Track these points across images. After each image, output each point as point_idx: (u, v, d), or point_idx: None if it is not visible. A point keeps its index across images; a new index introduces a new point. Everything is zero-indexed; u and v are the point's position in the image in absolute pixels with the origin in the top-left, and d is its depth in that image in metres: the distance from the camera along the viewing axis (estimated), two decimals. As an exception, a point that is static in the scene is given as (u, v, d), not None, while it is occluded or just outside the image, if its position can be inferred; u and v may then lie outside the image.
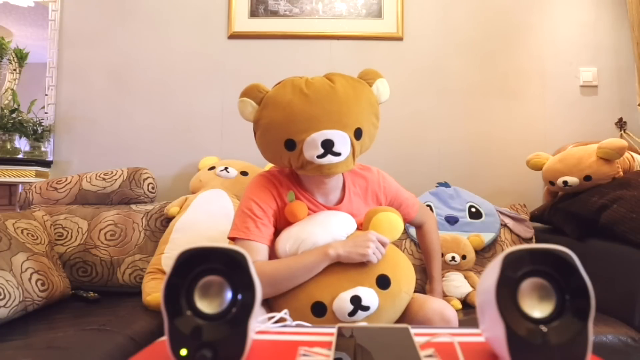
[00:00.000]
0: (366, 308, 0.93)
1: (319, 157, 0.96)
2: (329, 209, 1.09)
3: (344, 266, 0.97)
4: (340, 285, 0.95)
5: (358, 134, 1.00)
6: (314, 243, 0.99)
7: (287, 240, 1.01)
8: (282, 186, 1.08)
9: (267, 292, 0.97)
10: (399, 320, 1.01)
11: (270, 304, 1.02)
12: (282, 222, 1.07)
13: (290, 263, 0.98)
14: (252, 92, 1.03)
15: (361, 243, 0.97)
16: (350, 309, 0.92)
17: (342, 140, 0.97)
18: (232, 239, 1.04)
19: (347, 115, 0.99)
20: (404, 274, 1.01)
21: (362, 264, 0.97)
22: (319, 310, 0.94)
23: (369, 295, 0.94)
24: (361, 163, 1.20)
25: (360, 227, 1.09)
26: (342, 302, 0.93)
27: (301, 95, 0.98)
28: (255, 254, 1.00)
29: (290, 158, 1.01)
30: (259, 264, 0.97)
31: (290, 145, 0.99)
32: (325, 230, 1.01)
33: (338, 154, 0.97)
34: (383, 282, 0.96)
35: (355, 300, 0.93)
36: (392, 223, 1.03)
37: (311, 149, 0.96)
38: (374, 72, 1.07)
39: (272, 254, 1.05)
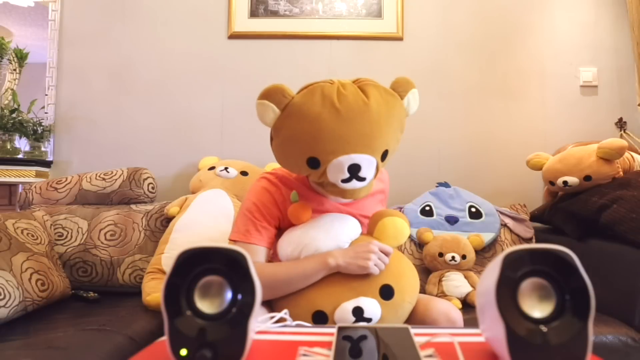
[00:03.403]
0: (368, 320, 0.91)
1: (344, 181, 0.91)
2: (342, 204, 1.06)
3: (347, 275, 0.95)
4: (343, 294, 0.93)
5: (384, 156, 0.95)
6: (316, 248, 0.97)
7: (289, 244, 1.00)
8: (287, 187, 1.04)
9: (265, 295, 0.95)
10: (405, 322, 0.99)
11: (272, 308, 1.01)
12: (286, 224, 1.05)
13: (289, 268, 0.97)
14: (275, 96, 0.91)
15: (362, 254, 0.94)
16: (352, 321, 0.90)
17: (368, 165, 0.91)
18: (233, 242, 1.03)
19: (378, 138, 0.92)
20: (408, 283, 0.99)
21: (365, 274, 0.95)
22: (320, 320, 0.93)
23: (372, 306, 0.91)
24: None
25: (365, 231, 1.07)
26: (343, 313, 0.91)
27: (332, 109, 0.88)
28: (254, 257, 0.99)
29: (311, 174, 0.96)
30: (257, 266, 0.95)
31: (314, 163, 0.91)
32: (328, 235, 0.99)
33: (363, 179, 0.92)
34: (386, 293, 0.94)
35: (357, 312, 0.90)
36: (397, 228, 1.00)
37: (336, 172, 0.90)
38: (407, 81, 1.00)
39: (275, 256, 1.04)
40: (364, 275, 0.95)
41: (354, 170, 0.90)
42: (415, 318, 1.00)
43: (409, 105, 0.99)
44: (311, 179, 1.00)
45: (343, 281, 0.95)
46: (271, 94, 0.91)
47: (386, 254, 0.96)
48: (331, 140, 0.89)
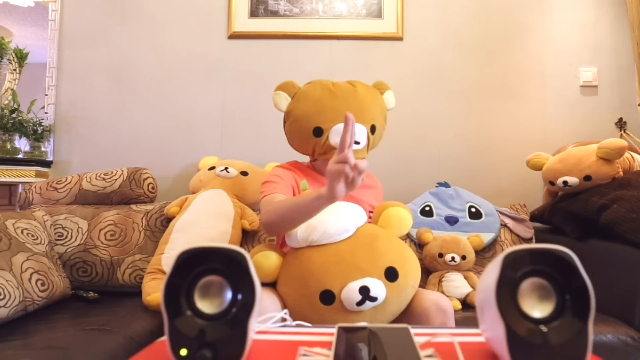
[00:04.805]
0: (374, 299, 0.96)
1: None
2: None
3: (353, 256, 1.00)
4: (350, 275, 0.98)
5: (373, 129, 1.21)
6: (324, 230, 1.02)
7: (299, 226, 1.05)
8: (299, 171, 1.23)
9: (274, 220, 1.03)
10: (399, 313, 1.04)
11: (279, 291, 1.06)
12: None
13: (295, 198, 1.05)
14: (287, 87, 1.24)
15: (334, 172, 0.86)
16: (359, 299, 0.95)
17: (361, 132, 1.17)
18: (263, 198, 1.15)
19: (366, 112, 1.20)
20: (411, 268, 1.05)
21: (372, 254, 1.00)
22: (328, 299, 0.97)
23: (377, 287, 0.97)
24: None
25: (370, 220, 1.16)
26: (350, 292, 0.95)
27: (329, 92, 1.20)
28: (276, 198, 1.10)
29: (316, 143, 1.19)
30: (274, 195, 1.10)
31: (318, 132, 1.18)
32: (336, 218, 1.04)
33: (357, 143, 1.17)
34: (391, 275, 1.00)
35: (364, 291, 0.95)
36: (401, 218, 1.10)
37: (336, 135, 1.15)
38: (384, 84, 1.31)
39: (284, 242, 1.14)
40: (371, 257, 1.00)
41: None
42: (407, 309, 1.04)
43: (387, 100, 1.30)
44: (317, 150, 1.20)
45: (350, 262, 1.00)
46: (284, 87, 1.25)
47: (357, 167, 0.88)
48: (330, 112, 1.18)
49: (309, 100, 1.20)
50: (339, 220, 1.03)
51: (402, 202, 1.72)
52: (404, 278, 1.01)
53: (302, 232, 1.03)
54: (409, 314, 1.03)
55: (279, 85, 1.24)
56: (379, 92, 1.27)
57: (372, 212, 1.19)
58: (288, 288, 1.04)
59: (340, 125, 1.14)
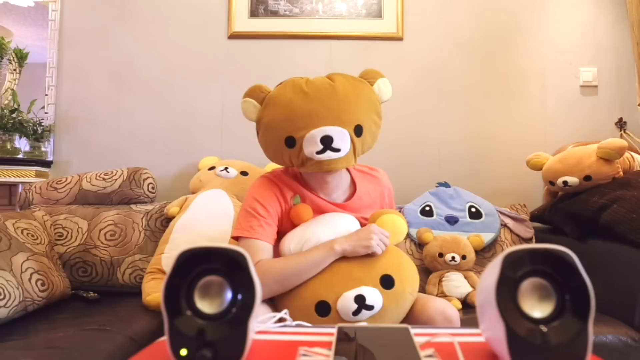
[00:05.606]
0: (370, 307, 0.93)
1: (318, 153, 0.97)
2: (337, 205, 1.09)
3: (348, 265, 0.98)
4: (345, 284, 0.95)
5: (358, 130, 1.00)
6: (317, 241, 1.00)
7: (292, 239, 1.02)
8: (286, 187, 1.08)
9: (275, 290, 0.98)
10: (403, 321, 1.01)
11: (275, 303, 1.02)
12: (285, 224, 1.07)
13: (297, 260, 0.98)
14: (254, 93, 1.06)
15: (364, 236, 0.98)
16: (354, 308, 0.92)
17: (341, 137, 0.97)
18: (236, 239, 1.03)
19: (347, 112, 0.99)
20: (408, 275, 1.01)
21: (367, 263, 0.98)
22: (323, 310, 0.94)
23: (373, 295, 0.94)
24: (367, 165, 1.21)
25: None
26: (346, 302, 0.93)
27: (301, 93, 1.00)
28: (260, 253, 1.00)
29: (291, 155, 1.02)
30: (266, 262, 0.98)
31: (290, 142, 1.00)
32: (329, 229, 1.02)
33: (337, 150, 0.97)
34: (387, 282, 0.97)
35: (360, 300, 0.93)
36: (395, 225, 1.05)
37: (310, 145, 0.97)
38: (375, 71, 1.08)
39: (276, 255, 1.06)
40: (365, 266, 0.97)
41: (327, 142, 0.96)
42: (412, 316, 1.01)
43: (380, 91, 1.06)
44: (294, 162, 1.03)
45: (344, 272, 0.97)
46: (251, 92, 1.06)
47: (385, 236, 1.00)
48: (302, 117, 0.98)
49: (278, 105, 1.01)
50: (331, 232, 1.01)
51: (402, 202, 1.74)
52: (401, 285, 0.98)
53: (295, 245, 1.01)
54: (413, 322, 1.00)
55: (246, 91, 1.07)
56: (367, 83, 1.05)
57: None
58: (283, 301, 1.00)
59: (315, 132, 0.96)
